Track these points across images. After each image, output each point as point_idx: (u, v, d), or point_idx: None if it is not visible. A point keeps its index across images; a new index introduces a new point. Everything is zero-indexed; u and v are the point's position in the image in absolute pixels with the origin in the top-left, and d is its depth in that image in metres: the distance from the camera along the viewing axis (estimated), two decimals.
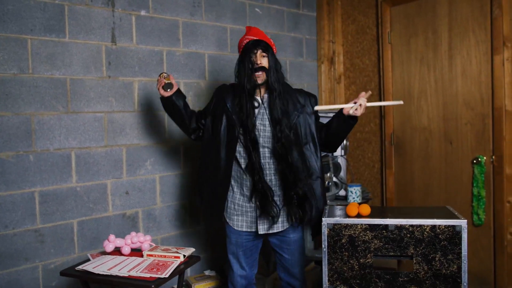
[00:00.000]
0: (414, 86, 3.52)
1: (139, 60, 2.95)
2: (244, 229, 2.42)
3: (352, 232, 2.01)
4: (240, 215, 2.41)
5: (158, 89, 2.41)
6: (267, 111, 2.33)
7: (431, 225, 1.94)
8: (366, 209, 2.05)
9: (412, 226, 1.96)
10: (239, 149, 2.34)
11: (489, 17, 3.12)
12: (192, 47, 3.20)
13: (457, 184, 3.32)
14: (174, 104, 2.43)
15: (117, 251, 2.38)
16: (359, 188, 3.42)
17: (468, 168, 3.26)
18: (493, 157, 3.14)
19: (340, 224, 2.02)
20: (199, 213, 3.28)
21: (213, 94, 2.53)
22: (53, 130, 2.64)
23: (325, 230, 2.03)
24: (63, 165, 2.68)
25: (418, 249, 1.96)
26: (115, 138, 2.88)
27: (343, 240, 2.02)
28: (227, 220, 2.45)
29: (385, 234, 1.98)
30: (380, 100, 3.73)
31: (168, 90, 2.39)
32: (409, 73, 3.55)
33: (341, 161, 3.58)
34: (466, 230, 1.92)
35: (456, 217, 1.97)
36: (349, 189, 3.42)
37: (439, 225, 1.94)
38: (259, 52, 2.29)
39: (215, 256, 3.38)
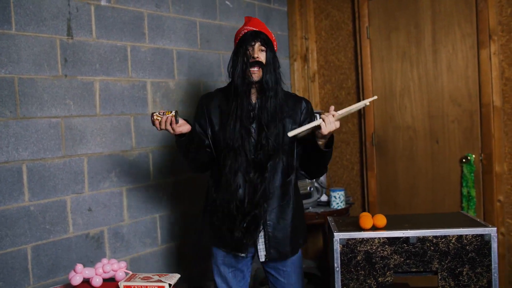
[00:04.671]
0: (396, 83, 3.34)
1: (100, 57, 2.57)
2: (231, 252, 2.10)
3: (369, 247, 1.75)
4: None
5: (166, 129, 1.86)
6: (257, 116, 2.00)
7: (457, 235, 1.72)
8: (382, 220, 1.80)
9: (435, 237, 1.73)
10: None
11: (475, 9, 2.99)
12: (159, 42, 2.85)
13: (445, 184, 3.17)
14: (195, 136, 1.97)
15: (86, 283, 1.99)
16: (342, 192, 3.20)
17: (456, 167, 3.11)
18: (482, 155, 3.01)
19: (355, 239, 1.75)
20: (172, 227, 2.93)
21: (198, 108, 2.15)
22: None
23: (337, 247, 1.76)
24: (13, 180, 2.25)
25: (443, 263, 1.73)
26: (74, 147, 2.47)
27: (358, 257, 1.76)
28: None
29: (406, 248, 1.74)
30: (359, 101, 3.53)
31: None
32: (390, 70, 3.36)
33: None
34: (496, 239, 1.71)
35: (483, 225, 1.76)
36: (332, 194, 3.20)
37: (466, 235, 1.72)
38: (257, 44, 1.96)
39: (191, 274, 3.03)
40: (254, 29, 1.98)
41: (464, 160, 3.06)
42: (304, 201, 3.09)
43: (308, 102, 2.13)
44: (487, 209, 3.02)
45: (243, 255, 2.06)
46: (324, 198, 3.33)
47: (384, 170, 3.44)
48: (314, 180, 3.27)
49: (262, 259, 2.06)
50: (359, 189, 3.62)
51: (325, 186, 3.40)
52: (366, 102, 1.91)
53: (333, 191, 3.20)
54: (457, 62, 3.08)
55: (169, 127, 1.83)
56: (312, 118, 2.10)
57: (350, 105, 2.04)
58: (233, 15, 3.32)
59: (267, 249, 2.02)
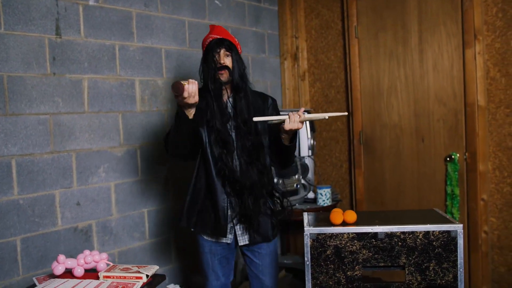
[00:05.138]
0: (384, 82, 3.39)
1: (88, 55, 2.63)
2: (216, 240, 2.25)
3: (338, 242, 1.81)
4: None
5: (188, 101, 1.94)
6: (231, 113, 2.20)
7: (424, 231, 1.77)
8: (352, 216, 1.86)
9: (403, 233, 1.78)
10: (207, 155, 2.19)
11: (460, 9, 3.02)
12: (147, 41, 2.91)
13: (430, 183, 3.21)
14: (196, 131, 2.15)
15: (69, 273, 2.07)
16: (329, 189, 3.25)
17: (441, 165, 3.16)
18: (466, 154, 3.05)
19: (325, 233, 1.81)
20: (160, 221, 2.99)
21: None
22: None
23: (307, 241, 1.82)
24: (2, 175, 2.33)
25: (410, 258, 1.78)
26: (62, 143, 2.54)
27: (328, 252, 1.81)
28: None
29: (374, 243, 1.79)
30: (347, 100, 3.58)
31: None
32: (378, 69, 3.41)
33: (309, 161, 3.39)
34: (462, 236, 1.76)
35: (450, 222, 1.81)
36: (319, 191, 3.24)
37: (433, 231, 1.77)
38: (222, 51, 2.16)
39: (179, 268, 3.10)
40: (218, 36, 2.18)
41: (448, 159, 3.10)
42: (291, 198, 3.15)
43: (274, 100, 2.34)
44: (471, 208, 3.06)
45: (228, 241, 2.22)
46: (311, 195, 3.38)
47: (372, 168, 3.49)
48: (302, 177, 3.33)
49: (242, 243, 2.22)
50: (348, 187, 3.67)
51: (313, 183, 3.45)
52: (326, 115, 2.03)
53: (320, 188, 3.25)
54: (443, 61, 3.11)
55: (194, 98, 1.93)
56: (277, 113, 2.30)
57: (329, 111, 2.16)
58: (223, 14, 3.37)
59: (250, 233, 2.19)
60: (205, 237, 2.27)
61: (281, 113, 2.37)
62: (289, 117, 2.01)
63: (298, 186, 3.29)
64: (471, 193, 3.05)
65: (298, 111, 2.04)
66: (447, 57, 3.10)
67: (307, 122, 3.22)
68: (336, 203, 3.35)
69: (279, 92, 3.85)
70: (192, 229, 2.28)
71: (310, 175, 3.42)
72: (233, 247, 2.30)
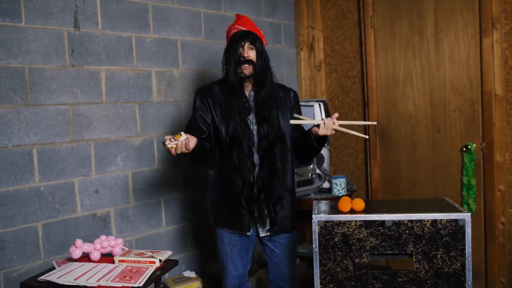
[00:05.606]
0: (399, 72, 3.37)
1: (106, 47, 2.70)
2: (238, 232, 2.26)
3: (346, 229, 1.83)
4: None
5: (181, 152, 1.96)
6: (253, 108, 2.21)
7: (432, 219, 1.78)
8: (360, 204, 1.87)
9: (411, 221, 1.79)
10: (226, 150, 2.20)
11: None
12: (163, 33, 2.96)
13: (446, 173, 3.19)
14: (201, 149, 2.10)
15: (86, 257, 2.15)
16: (344, 179, 3.26)
17: (457, 156, 3.14)
18: (483, 144, 3.02)
19: (333, 221, 1.83)
20: (176, 209, 3.06)
21: (197, 101, 2.27)
22: (11, 125, 2.37)
23: (315, 228, 1.84)
24: (24, 163, 2.42)
25: (418, 246, 1.79)
26: (81, 132, 2.63)
27: (335, 239, 1.84)
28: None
29: (381, 231, 1.81)
30: (363, 89, 3.57)
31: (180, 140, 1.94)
32: (394, 59, 3.39)
33: (324, 152, 3.41)
34: (469, 224, 1.76)
35: (458, 210, 1.81)
36: (334, 181, 3.26)
37: (441, 220, 1.78)
38: (246, 44, 2.15)
39: (194, 255, 3.17)
40: (243, 28, 2.17)
41: (464, 149, 3.08)
42: (305, 188, 3.18)
43: (295, 93, 2.35)
44: (487, 199, 3.03)
45: (249, 233, 2.24)
46: (326, 185, 3.40)
47: (387, 158, 3.49)
48: (317, 167, 3.34)
49: (263, 234, 2.25)
50: (364, 177, 3.68)
51: (328, 173, 3.46)
52: (365, 123, 2.34)
53: (335, 178, 3.26)
54: (459, 51, 3.08)
55: (184, 150, 1.94)
56: (298, 107, 2.32)
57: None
58: (238, 5, 3.40)
59: (271, 225, 2.22)
60: (224, 229, 2.28)
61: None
62: (324, 124, 2.03)
63: (313, 176, 3.31)
64: (487, 183, 3.02)
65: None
66: (464, 46, 3.06)
67: (323, 111, 3.23)
68: (351, 193, 3.36)
69: (295, 83, 3.87)
70: (214, 225, 2.30)
71: (325, 165, 3.44)
72: (253, 238, 2.31)
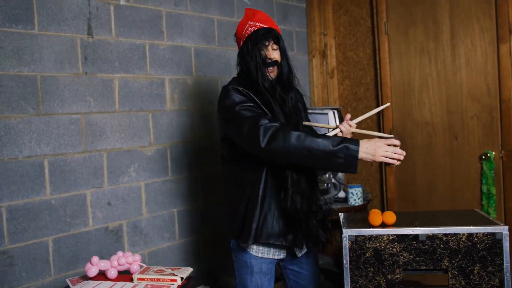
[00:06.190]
0: (415, 78, 3.31)
1: (119, 55, 2.63)
2: (271, 256, 2.00)
3: (378, 244, 1.75)
4: None
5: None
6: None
7: (468, 233, 1.71)
8: (391, 217, 1.80)
9: (445, 235, 1.72)
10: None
11: (494, 3, 2.93)
12: (177, 40, 2.90)
13: (464, 182, 3.13)
14: None
15: (102, 275, 2.06)
16: (360, 189, 3.19)
17: (475, 164, 3.07)
18: (503, 152, 2.96)
19: (364, 235, 1.76)
20: (190, 221, 2.98)
21: (241, 95, 1.91)
22: (22, 136, 2.29)
23: (346, 243, 1.77)
24: (35, 175, 2.34)
25: (453, 261, 1.72)
26: (94, 142, 2.55)
27: (367, 254, 1.76)
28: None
29: (415, 245, 1.74)
30: (377, 96, 3.51)
31: None
32: (409, 65, 3.33)
33: None
34: (507, 238, 1.70)
35: (495, 223, 1.74)
36: (350, 190, 3.19)
37: (477, 233, 1.71)
38: (271, 44, 1.92)
39: (207, 268, 3.08)
40: (262, 25, 1.93)
41: (483, 157, 3.02)
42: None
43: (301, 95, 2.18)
44: (508, 207, 2.97)
45: (303, 251, 2.03)
46: (341, 194, 3.33)
47: (403, 166, 3.41)
48: (332, 176, 3.28)
49: (300, 253, 2.03)
50: (378, 186, 3.61)
51: (343, 182, 3.40)
52: (371, 113, 2.08)
53: (351, 187, 3.20)
54: (476, 57, 3.03)
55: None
56: (305, 108, 2.19)
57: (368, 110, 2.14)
58: None
59: (307, 243, 1.97)
60: (253, 254, 1.99)
61: (309, 111, 2.29)
62: (341, 132, 1.93)
63: (329, 185, 3.24)
64: (508, 192, 2.96)
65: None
66: (481, 52, 3.01)
67: (337, 119, 3.17)
68: (367, 202, 3.30)
69: (308, 90, 3.81)
70: (254, 242, 1.94)
71: (340, 174, 3.37)
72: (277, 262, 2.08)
